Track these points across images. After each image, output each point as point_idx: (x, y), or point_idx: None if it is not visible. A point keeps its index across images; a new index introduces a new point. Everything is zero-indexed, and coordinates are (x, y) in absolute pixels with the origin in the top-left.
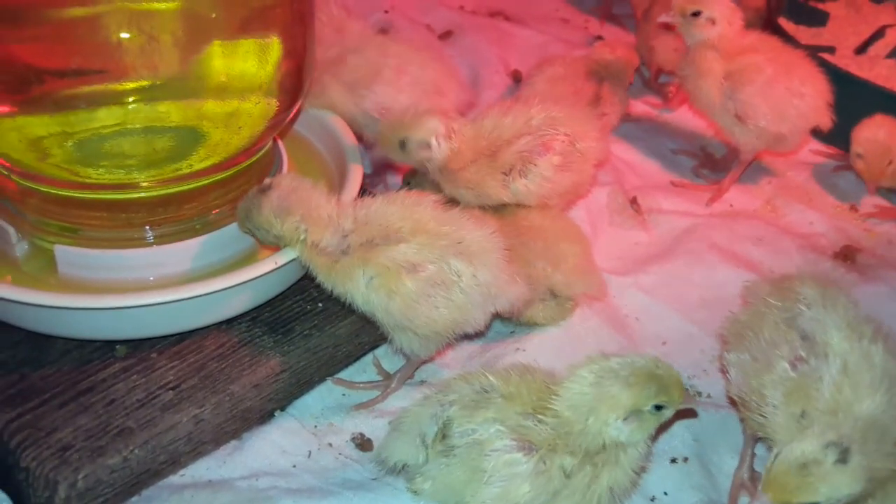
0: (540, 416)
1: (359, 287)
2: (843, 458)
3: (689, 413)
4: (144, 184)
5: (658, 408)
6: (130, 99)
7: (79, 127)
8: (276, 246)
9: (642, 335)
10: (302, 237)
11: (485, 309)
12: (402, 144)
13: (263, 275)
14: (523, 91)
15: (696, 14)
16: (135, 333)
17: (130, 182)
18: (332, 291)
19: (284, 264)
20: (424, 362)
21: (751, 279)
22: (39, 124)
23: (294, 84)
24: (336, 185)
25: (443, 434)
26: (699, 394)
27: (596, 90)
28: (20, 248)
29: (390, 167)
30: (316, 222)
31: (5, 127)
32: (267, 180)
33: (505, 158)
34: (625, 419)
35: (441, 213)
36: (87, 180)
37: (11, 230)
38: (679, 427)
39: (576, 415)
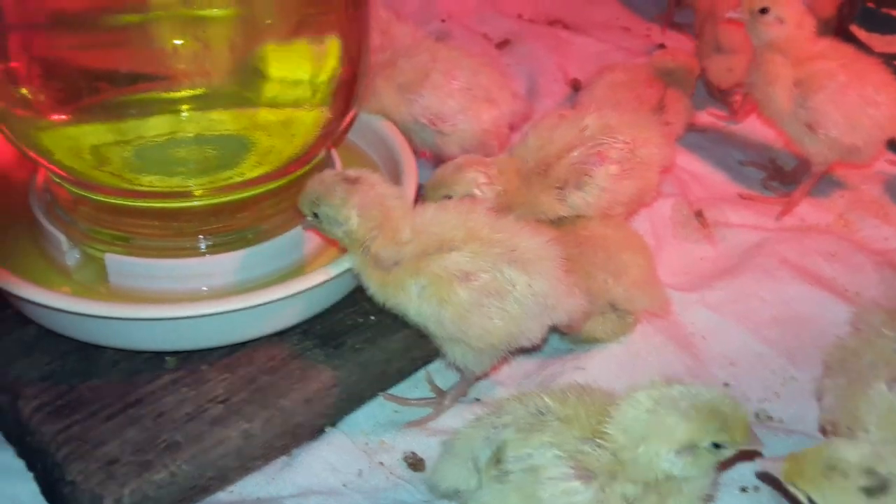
0: (599, 441)
1: (411, 297)
2: (872, 489)
3: (753, 454)
4: (198, 192)
5: (717, 446)
6: (184, 107)
7: (132, 135)
8: (329, 239)
9: (709, 355)
10: (368, 245)
11: (541, 321)
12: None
13: (316, 286)
14: (582, 98)
15: (763, 11)
16: (186, 345)
17: (183, 190)
18: (384, 304)
19: (336, 276)
20: (479, 379)
21: (824, 297)
22: (93, 132)
23: (348, 91)
24: None
25: (496, 458)
26: (770, 418)
27: (659, 97)
28: (71, 257)
29: None
30: (387, 233)
31: (60, 135)
32: (351, 171)
33: (557, 172)
34: (678, 452)
35: (495, 220)
36: (141, 188)
37: (63, 238)
38: None
39: (628, 440)
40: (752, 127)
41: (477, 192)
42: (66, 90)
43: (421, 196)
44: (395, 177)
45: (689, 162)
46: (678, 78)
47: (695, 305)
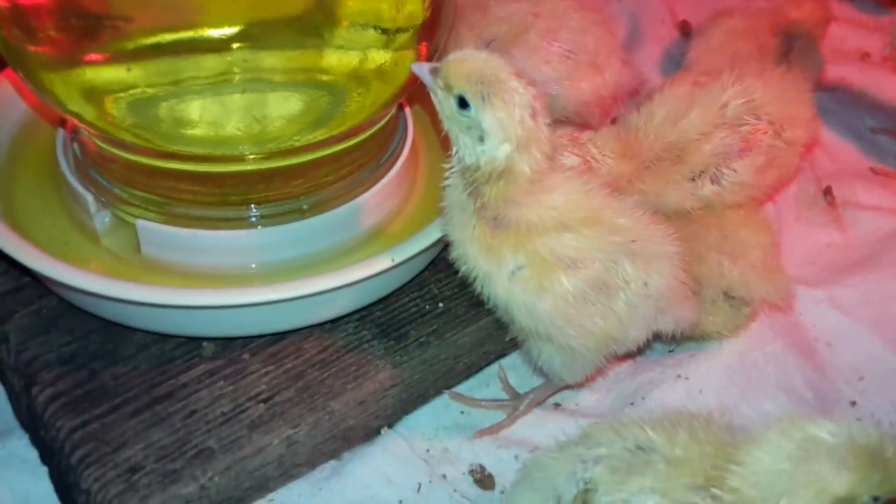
0: (715, 492)
1: (502, 274)
2: None
3: None
4: (249, 155)
5: (875, 499)
6: (233, 46)
7: (166, 80)
8: (442, 127)
9: (834, 365)
10: (496, 177)
11: (647, 325)
12: None
13: (379, 274)
14: (694, 46)
15: None
16: (225, 333)
17: (231, 155)
18: (468, 275)
19: (403, 262)
20: (564, 388)
21: None
22: (120, 77)
23: (429, 37)
24: None
25: (583, 500)
26: None
27: (784, 49)
28: (100, 220)
29: None
30: (525, 179)
31: (76, 79)
32: (537, 104)
33: (696, 161)
34: None
35: (616, 201)
36: (177, 149)
37: (90, 198)
38: None
39: (763, 494)
40: (887, 85)
41: None
42: (83, 25)
43: None
44: None
45: None
46: (805, 30)
47: (821, 305)
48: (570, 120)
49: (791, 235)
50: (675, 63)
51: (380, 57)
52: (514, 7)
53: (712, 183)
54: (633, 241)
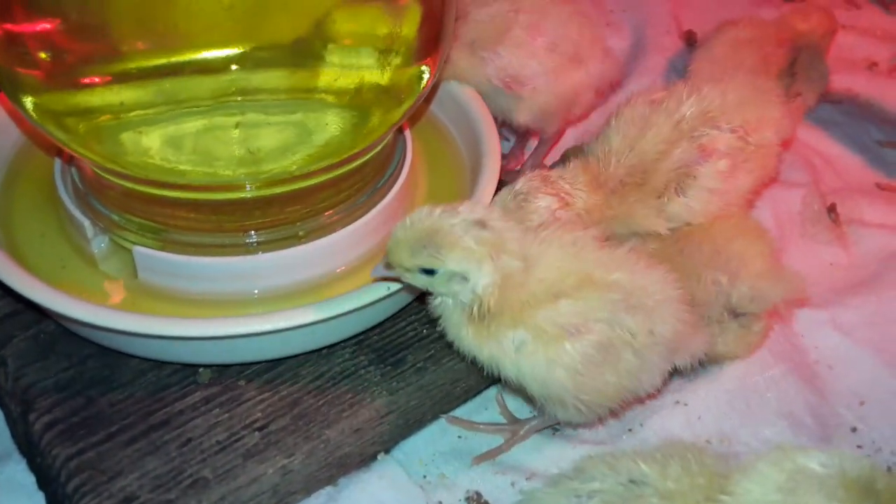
0: None
1: (506, 352)
2: None
3: None
4: (245, 184)
5: None
6: (231, 68)
7: (159, 103)
8: (414, 287)
9: (835, 390)
10: (479, 300)
11: (662, 368)
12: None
13: (378, 301)
14: (697, 57)
15: None
16: (220, 360)
17: (228, 183)
18: (473, 359)
19: (400, 290)
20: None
21: None
22: (109, 104)
23: (430, 55)
24: (468, 173)
25: None
26: None
27: (789, 60)
28: (97, 244)
29: (531, 134)
30: (505, 285)
31: (66, 104)
32: (463, 207)
33: (658, 180)
34: None
35: (606, 253)
36: (172, 180)
37: (87, 223)
38: None
39: None
40: (894, 96)
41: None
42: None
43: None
44: (474, 159)
45: (821, 141)
46: (813, 39)
47: (823, 327)
48: (549, 119)
49: (795, 254)
50: (679, 74)
51: (379, 77)
52: (494, 8)
53: (678, 195)
54: (632, 293)
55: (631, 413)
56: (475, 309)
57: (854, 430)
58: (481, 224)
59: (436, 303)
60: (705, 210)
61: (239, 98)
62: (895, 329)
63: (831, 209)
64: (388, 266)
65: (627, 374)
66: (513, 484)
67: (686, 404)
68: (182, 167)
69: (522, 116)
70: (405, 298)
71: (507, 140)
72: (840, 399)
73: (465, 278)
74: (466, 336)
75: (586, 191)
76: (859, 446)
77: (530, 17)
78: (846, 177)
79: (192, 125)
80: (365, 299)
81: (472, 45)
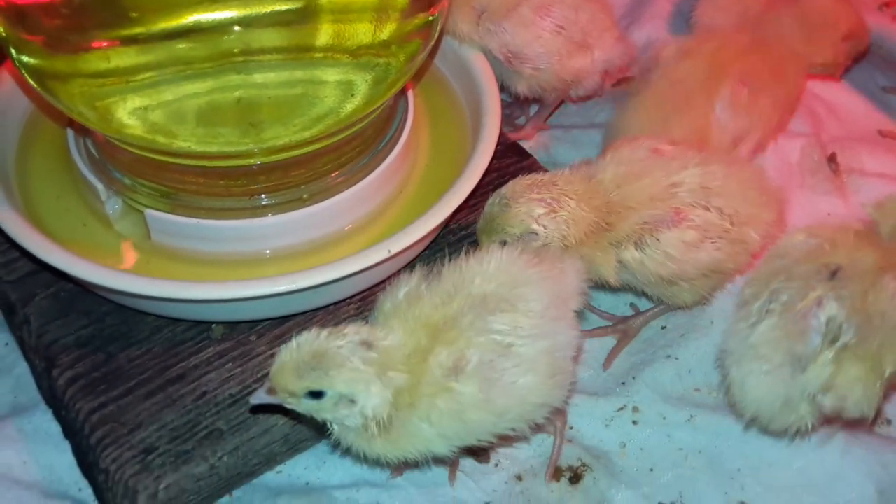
0: None
1: (426, 434)
2: None
3: None
4: (257, 151)
5: None
6: (234, 28)
7: (164, 65)
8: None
9: None
10: (375, 420)
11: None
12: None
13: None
14: (701, 3)
15: None
16: (232, 318)
17: (234, 152)
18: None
19: (400, 252)
20: None
21: None
22: (115, 68)
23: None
24: (469, 129)
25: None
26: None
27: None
28: (111, 206)
29: (534, 99)
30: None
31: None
32: (350, 329)
33: (621, 230)
34: None
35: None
36: (177, 148)
37: (100, 186)
38: None
39: None
40: None
41: (537, 228)
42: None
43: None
44: (475, 119)
45: (825, 88)
46: None
47: None
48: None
49: (793, 203)
50: (685, 20)
51: (381, 33)
52: None
53: (635, 248)
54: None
55: (625, 365)
56: (374, 426)
57: None
58: (367, 345)
59: (336, 431)
60: (655, 272)
61: (241, 58)
62: None
63: (831, 159)
64: (272, 391)
65: (529, 389)
66: None
67: (677, 358)
68: (184, 143)
69: (521, 88)
70: (408, 259)
71: (508, 100)
72: None
73: (352, 401)
74: (381, 447)
75: (575, 199)
76: None
77: None
78: (849, 125)
79: (196, 88)
80: (366, 262)
81: (480, 15)
